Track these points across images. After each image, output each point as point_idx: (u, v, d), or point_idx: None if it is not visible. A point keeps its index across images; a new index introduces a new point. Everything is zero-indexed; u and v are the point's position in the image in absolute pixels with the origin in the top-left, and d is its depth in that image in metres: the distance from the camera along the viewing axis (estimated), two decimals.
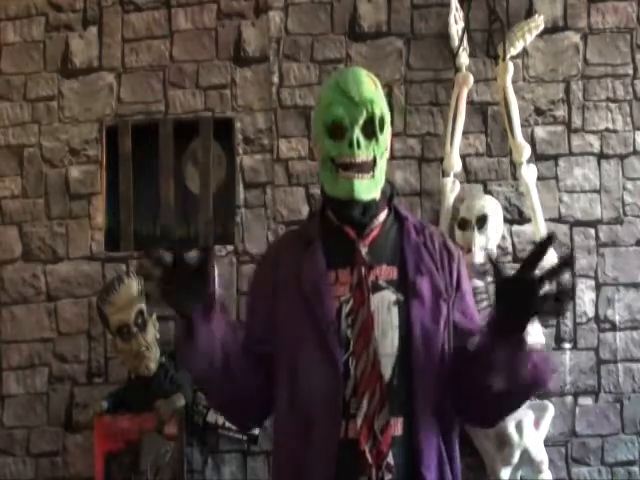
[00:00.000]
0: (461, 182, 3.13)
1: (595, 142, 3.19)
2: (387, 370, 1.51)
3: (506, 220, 3.11)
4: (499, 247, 3.07)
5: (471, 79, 3.10)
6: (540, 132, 3.19)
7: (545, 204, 3.08)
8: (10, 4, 3.30)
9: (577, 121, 3.20)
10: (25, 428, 3.17)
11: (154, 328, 2.97)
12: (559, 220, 3.16)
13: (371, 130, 1.58)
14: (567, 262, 1.34)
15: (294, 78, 3.23)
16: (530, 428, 2.84)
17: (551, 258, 2.96)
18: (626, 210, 3.18)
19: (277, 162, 3.22)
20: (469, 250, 2.89)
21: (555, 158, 3.19)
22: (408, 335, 1.53)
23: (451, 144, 3.10)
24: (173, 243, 1.45)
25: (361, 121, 1.57)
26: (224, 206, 3.27)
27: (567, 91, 3.21)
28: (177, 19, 3.28)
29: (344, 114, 1.56)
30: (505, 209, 3.12)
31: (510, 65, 3.07)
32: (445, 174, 3.13)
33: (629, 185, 3.19)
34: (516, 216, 3.16)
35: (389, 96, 3.12)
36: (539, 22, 3.12)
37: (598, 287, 3.14)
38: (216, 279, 3.14)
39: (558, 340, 3.11)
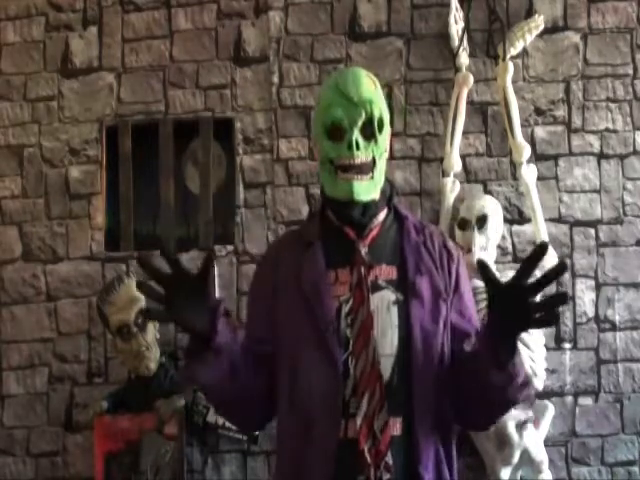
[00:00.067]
0: (461, 182, 3.13)
1: (595, 142, 3.19)
2: (386, 370, 1.51)
3: (506, 220, 3.11)
4: (499, 247, 3.07)
5: (471, 79, 3.11)
6: (540, 132, 3.19)
7: (545, 204, 3.09)
8: (10, 4, 3.30)
9: (577, 121, 3.20)
10: (25, 428, 3.17)
11: (154, 328, 2.97)
12: (559, 220, 3.16)
13: (370, 131, 1.58)
14: (560, 269, 1.34)
15: (294, 78, 3.23)
16: (530, 428, 2.84)
17: (551, 260, 2.98)
18: (626, 210, 3.18)
19: (277, 162, 3.22)
20: (469, 250, 2.89)
21: (555, 158, 3.19)
22: (407, 335, 1.53)
23: (451, 144, 3.10)
24: (169, 250, 1.42)
25: (360, 122, 1.57)
26: (224, 206, 3.27)
27: (567, 91, 3.21)
28: (177, 19, 3.28)
29: (343, 115, 1.56)
30: (505, 209, 3.12)
31: (510, 65, 3.07)
32: (445, 174, 3.13)
33: (629, 185, 3.19)
34: (516, 216, 3.16)
35: (389, 96, 3.12)
36: (539, 22, 3.12)
37: (598, 287, 3.15)
38: (216, 281, 3.14)
39: (558, 340, 3.11)
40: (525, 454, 2.84)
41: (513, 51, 3.10)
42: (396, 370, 1.52)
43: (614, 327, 3.13)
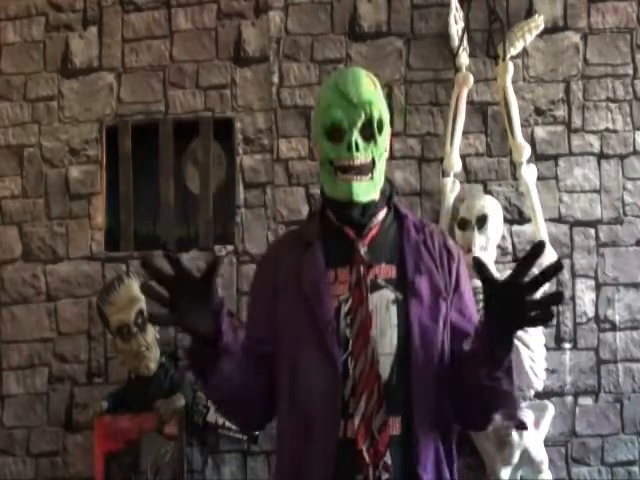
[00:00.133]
0: (461, 182, 3.13)
1: (595, 142, 3.20)
2: (386, 369, 1.51)
3: (506, 220, 3.11)
4: (499, 247, 3.07)
5: (471, 79, 3.11)
6: (540, 132, 3.19)
7: (545, 204, 3.09)
8: (10, 4, 3.30)
9: (577, 121, 3.20)
10: (25, 428, 3.17)
11: (154, 328, 2.97)
12: (559, 220, 3.16)
13: (370, 132, 1.58)
14: (557, 268, 1.34)
15: (294, 78, 3.23)
16: (530, 428, 2.84)
17: (551, 259, 2.98)
18: (626, 210, 3.18)
19: (277, 162, 3.22)
20: (469, 250, 2.89)
21: (555, 158, 3.19)
22: (407, 334, 1.53)
23: (451, 144, 3.10)
24: (172, 253, 1.42)
25: (359, 123, 1.57)
26: (224, 206, 3.27)
27: (567, 91, 3.21)
28: (177, 19, 3.28)
29: (343, 117, 1.56)
30: (505, 209, 3.13)
31: (510, 65, 3.07)
32: (445, 174, 3.13)
33: (629, 185, 3.19)
34: (516, 216, 3.16)
35: (389, 96, 3.12)
36: (539, 22, 3.12)
37: (598, 287, 3.15)
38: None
39: (558, 340, 3.11)
40: (525, 454, 2.84)
41: (513, 51, 3.10)
42: (395, 369, 1.52)
43: (614, 327, 3.13)
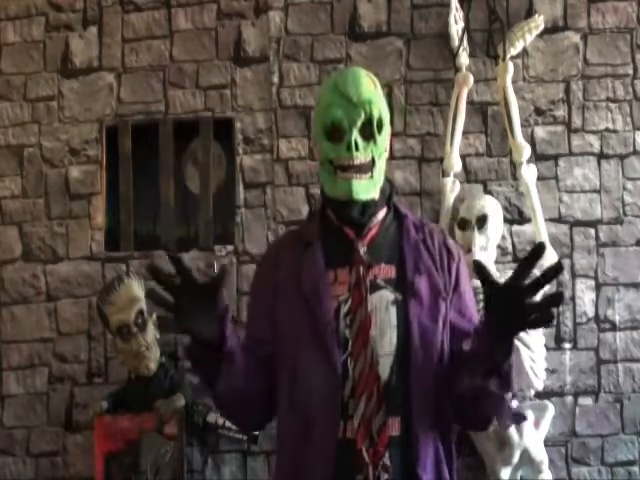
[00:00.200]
0: (461, 182, 3.13)
1: (595, 142, 3.20)
2: (385, 370, 1.51)
3: (506, 220, 3.11)
4: (499, 247, 3.07)
5: (471, 79, 3.11)
6: (540, 132, 3.19)
7: (545, 204, 3.09)
8: (10, 4, 3.30)
9: (577, 121, 3.20)
10: (25, 428, 3.17)
11: (154, 328, 2.97)
12: (559, 220, 3.16)
13: (369, 132, 1.58)
14: (557, 270, 1.34)
15: (294, 78, 3.23)
16: (530, 428, 2.84)
17: (551, 260, 2.98)
18: (626, 210, 3.18)
19: (277, 162, 3.22)
20: (469, 250, 2.89)
21: (555, 158, 3.19)
22: (406, 334, 1.53)
23: (451, 144, 3.10)
24: (179, 258, 1.41)
25: (359, 123, 1.57)
26: (224, 206, 3.27)
27: (567, 91, 3.21)
28: (177, 19, 3.28)
29: (342, 116, 1.56)
30: (505, 209, 3.13)
31: (510, 65, 3.07)
32: (445, 174, 3.13)
33: (629, 185, 3.19)
34: (516, 216, 3.16)
35: (389, 96, 3.12)
36: (539, 22, 3.12)
37: (598, 287, 3.15)
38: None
39: (558, 340, 3.11)
40: (525, 454, 2.84)
41: (513, 51, 3.10)
42: (395, 370, 1.52)
43: (614, 327, 3.13)
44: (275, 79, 3.23)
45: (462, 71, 3.12)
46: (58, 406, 3.17)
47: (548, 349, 3.00)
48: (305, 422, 1.52)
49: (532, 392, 2.92)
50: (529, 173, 3.05)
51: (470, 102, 3.15)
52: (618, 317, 3.13)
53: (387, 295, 1.55)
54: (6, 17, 3.31)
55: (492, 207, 3.02)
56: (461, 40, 3.10)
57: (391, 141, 1.69)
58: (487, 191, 3.17)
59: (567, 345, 3.11)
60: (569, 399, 3.10)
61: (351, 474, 1.48)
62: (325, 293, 1.55)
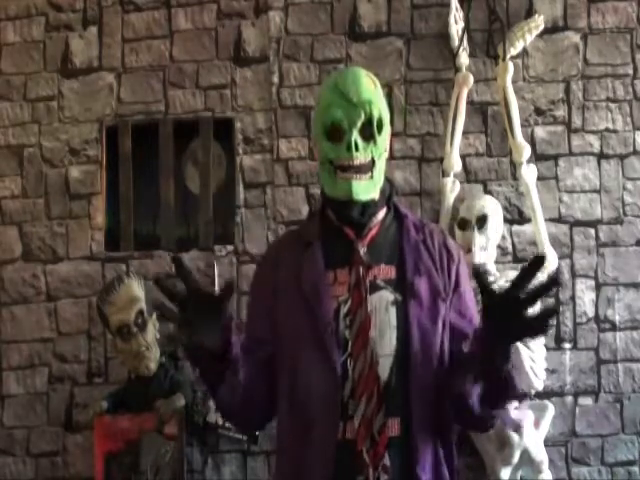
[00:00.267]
0: (461, 182, 3.13)
1: (595, 142, 3.19)
2: (385, 370, 1.51)
3: (506, 220, 3.11)
4: (499, 247, 3.07)
5: (471, 79, 3.11)
6: (540, 132, 3.19)
7: (545, 204, 3.08)
8: (10, 4, 3.30)
9: (577, 121, 3.20)
10: (25, 428, 3.17)
11: (154, 328, 2.97)
12: (559, 220, 3.16)
13: (369, 132, 1.57)
14: (553, 283, 1.33)
15: (294, 78, 3.23)
16: (530, 428, 2.84)
17: (552, 261, 2.98)
18: (626, 210, 3.18)
19: (277, 162, 3.22)
20: (469, 250, 2.89)
21: (555, 158, 3.19)
22: (406, 335, 1.53)
23: (451, 144, 3.10)
24: (186, 270, 1.41)
25: (359, 123, 1.57)
26: (224, 206, 3.27)
27: (567, 91, 3.21)
28: (177, 19, 3.28)
29: (342, 116, 1.56)
30: (505, 209, 3.12)
31: (510, 65, 3.07)
32: (445, 174, 3.13)
33: (629, 185, 3.19)
34: (516, 216, 3.16)
35: (389, 96, 3.12)
36: (539, 22, 3.12)
37: (598, 287, 3.15)
38: (216, 281, 3.14)
39: (558, 340, 3.11)
40: (525, 454, 2.84)
41: (513, 51, 3.10)
42: (394, 370, 1.52)
43: (614, 327, 3.13)
44: (275, 79, 3.23)
45: (462, 71, 3.12)
46: (58, 406, 3.17)
47: (548, 349, 3.00)
48: (305, 422, 1.52)
49: (532, 392, 2.91)
50: (529, 173, 3.05)
51: (470, 102, 3.15)
52: (618, 317, 3.13)
53: (387, 296, 1.55)
54: (6, 17, 3.31)
55: (492, 207, 3.02)
56: (461, 40, 3.10)
57: (391, 141, 1.69)
58: (487, 191, 3.17)
59: (567, 345, 3.11)
60: (569, 399, 3.10)
61: (351, 475, 1.48)
62: (325, 293, 1.55)
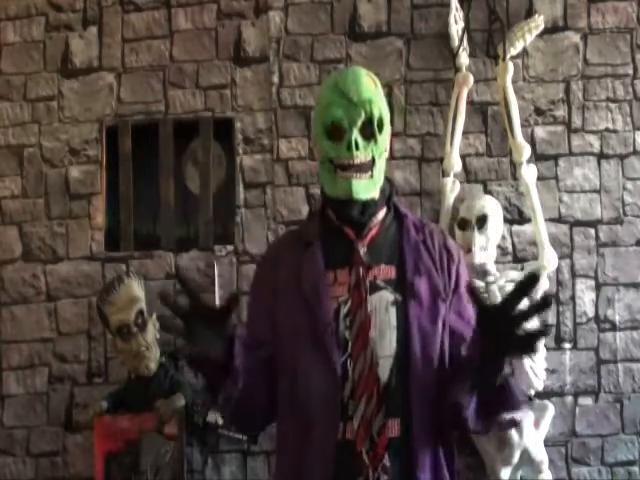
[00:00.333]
0: (461, 182, 3.13)
1: (595, 142, 3.19)
2: (385, 371, 1.51)
3: (506, 220, 3.11)
4: (499, 247, 3.07)
5: (471, 79, 3.11)
6: (540, 132, 3.19)
7: (545, 204, 3.08)
8: (10, 4, 3.30)
9: (577, 121, 3.20)
10: (25, 428, 3.17)
11: (154, 328, 2.97)
12: (559, 220, 3.16)
13: (370, 131, 1.57)
14: (544, 304, 1.33)
15: (294, 78, 3.23)
16: (530, 428, 2.84)
17: (552, 262, 2.97)
18: (626, 210, 3.18)
19: (277, 162, 3.22)
20: (469, 250, 2.89)
21: (555, 158, 3.19)
22: (406, 336, 1.52)
23: (451, 144, 3.10)
24: (190, 286, 1.42)
25: (359, 122, 1.56)
26: (224, 206, 3.27)
27: (567, 91, 3.21)
28: (177, 19, 3.28)
29: (343, 115, 1.56)
30: (505, 209, 3.12)
31: (510, 65, 3.07)
32: (445, 174, 3.13)
33: (629, 185, 3.19)
34: (516, 216, 3.16)
35: (389, 96, 3.12)
36: (539, 22, 3.12)
37: (598, 287, 3.15)
38: (216, 281, 3.14)
39: (558, 340, 3.11)
40: (525, 454, 2.84)
41: (513, 51, 3.10)
42: (394, 371, 1.52)
43: (614, 327, 3.13)
44: (275, 79, 3.23)
45: (462, 71, 3.12)
46: (58, 406, 3.17)
47: (548, 349, 3.00)
48: (305, 423, 1.52)
49: (532, 392, 2.91)
50: (529, 173, 3.04)
51: (470, 102, 3.15)
52: (618, 317, 3.13)
53: (387, 296, 1.55)
54: (6, 17, 3.31)
55: (492, 207, 3.02)
56: (461, 40, 3.10)
57: (391, 141, 1.69)
58: (487, 191, 3.17)
59: (567, 345, 3.11)
60: (569, 399, 3.10)
61: (351, 475, 1.48)
62: (325, 294, 1.55)
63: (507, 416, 1.50)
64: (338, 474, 1.48)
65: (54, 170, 3.26)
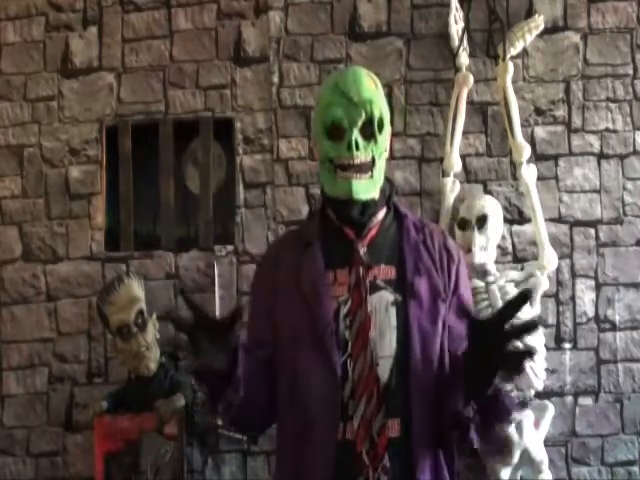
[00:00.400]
0: (461, 182, 3.13)
1: (595, 142, 3.19)
2: (385, 371, 1.51)
3: (506, 220, 3.11)
4: (499, 247, 3.07)
5: (471, 79, 3.11)
6: (540, 132, 3.19)
7: (545, 204, 3.08)
8: (10, 4, 3.30)
9: (577, 121, 3.20)
10: (25, 428, 3.17)
11: (154, 328, 2.97)
12: (559, 220, 3.16)
13: (370, 131, 1.57)
14: (531, 328, 1.34)
15: (294, 78, 3.23)
16: (530, 428, 2.84)
17: (552, 262, 2.96)
18: (626, 210, 3.18)
19: (277, 162, 3.22)
20: (469, 250, 2.89)
21: (555, 158, 3.19)
22: (406, 336, 1.52)
23: (451, 144, 3.10)
24: (192, 302, 1.42)
25: (360, 122, 1.56)
26: (224, 206, 3.27)
27: (567, 91, 3.21)
28: (177, 19, 3.28)
29: (343, 115, 1.56)
30: (505, 209, 3.13)
31: (510, 65, 3.07)
32: (445, 174, 3.13)
33: (629, 185, 3.19)
34: (516, 216, 3.16)
35: (389, 96, 3.12)
36: (539, 22, 3.12)
37: (598, 287, 3.15)
38: (216, 281, 3.14)
39: (558, 340, 3.11)
40: (525, 454, 2.83)
41: (513, 51, 3.10)
42: (395, 372, 1.52)
43: (614, 327, 3.13)
44: (275, 79, 3.23)
45: (462, 71, 3.12)
46: (58, 406, 3.17)
47: (548, 349, 3.00)
48: (305, 423, 1.52)
49: (532, 392, 2.91)
50: (529, 173, 3.05)
51: (470, 102, 3.15)
52: (618, 317, 3.13)
53: (387, 296, 1.55)
54: (6, 17, 3.31)
55: (492, 207, 3.01)
56: (461, 40, 3.09)
57: (391, 141, 1.69)
58: (487, 191, 3.17)
59: (567, 345, 3.11)
60: (569, 399, 3.10)
61: (351, 475, 1.48)
62: (325, 294, 1.55)
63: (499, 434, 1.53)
64: (338, 474, 1.48)
65: (54, 170, 3.26)
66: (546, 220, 3.06)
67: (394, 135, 2.70)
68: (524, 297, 1.34)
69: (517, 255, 3.13)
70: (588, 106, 3.20)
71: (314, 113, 1.71)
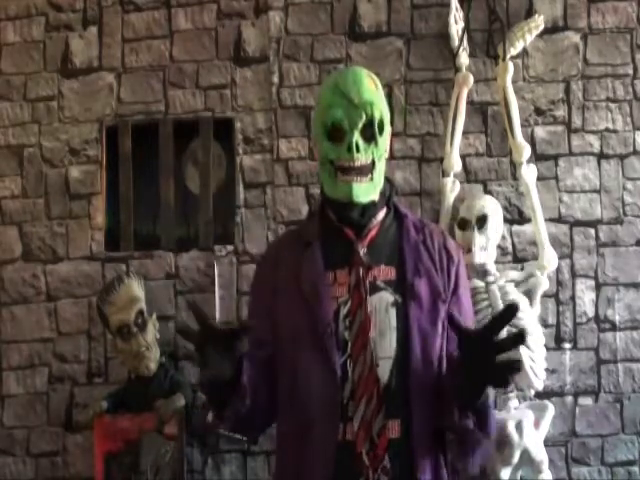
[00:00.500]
0: (461, 182, 3.13)
1: (595, 142, 3.19)
2: (385, 372, 1.51)
3: (506, 220, 3.11)
4: (499, 247, 3.07)
5: (471, 79, 3.10)
6: (540, 132, 3.19)
7: (545, 204, 3.08)
8: (10, 4, 3.30)
9: (577, 121, 3.20)
10: (25, 428, 3.17)
11: (154, 328, 2.97)
12: (559, 220, 3.16)
13: (370, 133, 1.57)
14: (519, 340, 1.34)
15: (294, 78, 3.23)
16: (530, 428, 2.84)
17: (552, 263, 2.96)
18: (626, 210, 3.18)
19: (277, 162, 3.21)
20: (469, 250, 2.89)
21: (555, 158, 3.19)
22: (406, 337, 1.53)
23: (451, 144, 3.10)
24: (200, 314, 1.40)
25: (360, 124, 1.56)
26: (224, 206, 3.27)
27: (567, 91, 3.21)
28: (177, 19, 3.28)
29: (343, 117, 1.56)
30: (505, 209, 3.12)
31: (510, 65, 3.06)
32: (445, 174, 3.13)
33: (629, 185, 3.19)
34: (516, 216, 3.16)
35: (389, 96, 3.12)
36: (539, 22, 3.12)
37: (598, 287, 3.15)
38: (217, 281, 3.14)
39: (558, 340, 3.11)
40: (525, 454, 2.83)
41: (513, 51, 3.10)
42: (394, 372, 1.52)
43: (614, 327, 3.13)
44: (275, 79, 3.23)
45: (462, 71, 3.12)
46: (58, 406, 3.17)
47: (548, 349, 2.99)
48: (305, 423, 1.52)
49: (532, 392, 2.91)
50: (529, 173, 3.04)
51: (470, 102, 3.15)
52: (618, 317, 3.13)
53: (387, 297, 1.55)
54: (6, 17, 3.30)
55: (492, 207, 3.01)
56: (461, 40, 3.09)
57: (391, 141, 1.69)
58: (487, 191, 3.17)
59: (567, 345, 3.11)
60: (569, 399, 3.10)
61: (351, 476, 1.48)
62: (324, 294, 1.55)
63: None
64: (338, 475, 1.48)
65: (54, 170, 3.26)
66: (546, 220, 3.06)
67: (394, 135, 2.70)
68: (512, 310, 1.34)
69: (517, 255, 3.13)
70: (588, 106, 3.20)
71: (314, 113, 1.71)
